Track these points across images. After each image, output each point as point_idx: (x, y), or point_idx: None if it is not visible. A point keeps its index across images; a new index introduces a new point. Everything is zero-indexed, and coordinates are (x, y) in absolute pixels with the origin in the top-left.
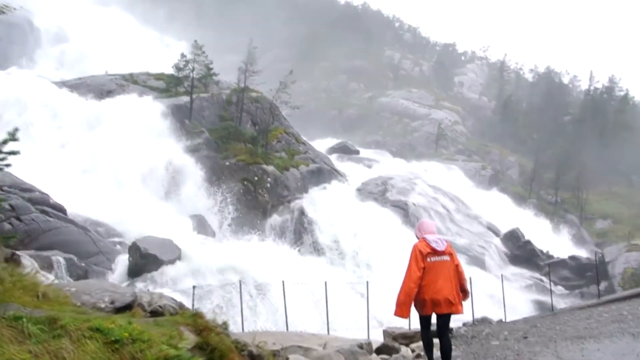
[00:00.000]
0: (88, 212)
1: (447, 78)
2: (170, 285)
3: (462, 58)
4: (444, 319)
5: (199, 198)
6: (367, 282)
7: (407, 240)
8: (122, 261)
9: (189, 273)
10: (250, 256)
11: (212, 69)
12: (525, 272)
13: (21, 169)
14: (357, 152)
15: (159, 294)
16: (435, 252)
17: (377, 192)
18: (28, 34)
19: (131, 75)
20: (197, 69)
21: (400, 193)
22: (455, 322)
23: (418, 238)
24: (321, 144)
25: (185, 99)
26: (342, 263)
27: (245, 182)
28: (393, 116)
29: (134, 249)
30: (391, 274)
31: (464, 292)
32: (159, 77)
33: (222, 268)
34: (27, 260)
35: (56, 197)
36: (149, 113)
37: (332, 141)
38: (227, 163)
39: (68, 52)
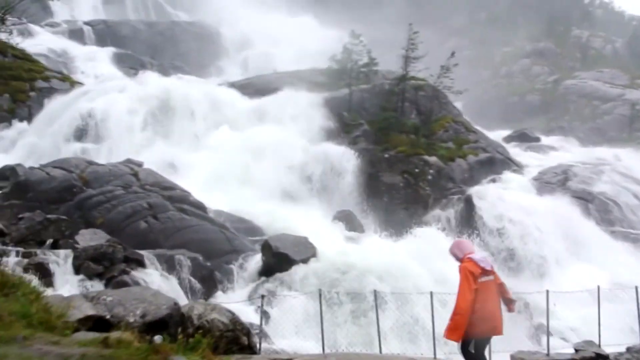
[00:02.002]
0: (234, 209)
1: None
2: (298, 287)
3: None
4: (485, 342)
5: (352, 192)
6: (547, 292)
7: (592, 238)
8: (256, 260)
9: (320, 274)
10: (399, 256)
11: (374, 59)
12: None
13: (179, 169)
14: (538, 140)
15: (214, 306)
16: (484, 272)
17: (555, 182)
18: (216, 44)
19: (297, 72)
20: (355, 59)
21: (583, 182)
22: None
23: (458, 258)
24: (498, 133)
25: (345, 91)
26: (514, 267)
27: (405, 175)
28: (580, 99)
29: (267, 248)
30: (572, 282)
31: (509, 302)
32: (327, 73)
33: (362, 269)
34: (149, 260)
35: (204, 194)
36: (305, 107)
37: (509, 129)
38: (386, 155)
39: (251, 57)
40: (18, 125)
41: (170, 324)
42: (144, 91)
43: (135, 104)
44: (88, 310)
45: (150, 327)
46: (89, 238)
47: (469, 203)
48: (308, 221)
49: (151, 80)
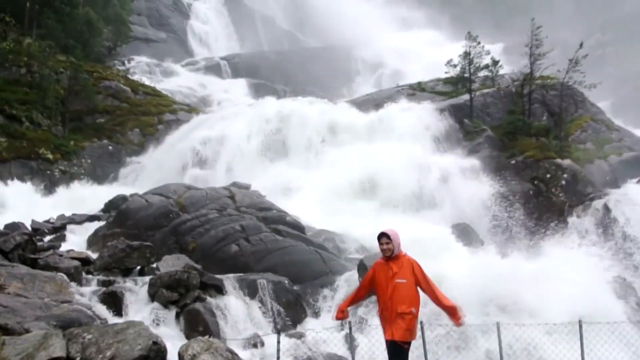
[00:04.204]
0: (345, 227)
1: None
2: None
3: None
4: None
5: (474, 203)
6: None
7: None
8: (352, 281)
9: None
10: (528, 275)
11: (497, 61)
12: None
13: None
14: None
15: (210, 344)
16: None
17: None
18: (348, 66)
19: (419, 83)
20: (475, 62)
21: None
22: None
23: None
24: None
25: (466, 97)
26: None
27: (535, 181)
28: None
29: (362, 268)
30: None
31: None
32: (447, 80)
33: (479, 288)
34: (231, 286)
35: (318, 214)
36: (424, 117)
37: None
38: (513, 161)
39: (384, 76)
40: (145, 158)
41: None
42: (260, 115)
43: (251, 128)
44: (57, 351)
45: None
46: (171, 264)
47: (608, 209)
48: (419, 236)
49: (268, 104)
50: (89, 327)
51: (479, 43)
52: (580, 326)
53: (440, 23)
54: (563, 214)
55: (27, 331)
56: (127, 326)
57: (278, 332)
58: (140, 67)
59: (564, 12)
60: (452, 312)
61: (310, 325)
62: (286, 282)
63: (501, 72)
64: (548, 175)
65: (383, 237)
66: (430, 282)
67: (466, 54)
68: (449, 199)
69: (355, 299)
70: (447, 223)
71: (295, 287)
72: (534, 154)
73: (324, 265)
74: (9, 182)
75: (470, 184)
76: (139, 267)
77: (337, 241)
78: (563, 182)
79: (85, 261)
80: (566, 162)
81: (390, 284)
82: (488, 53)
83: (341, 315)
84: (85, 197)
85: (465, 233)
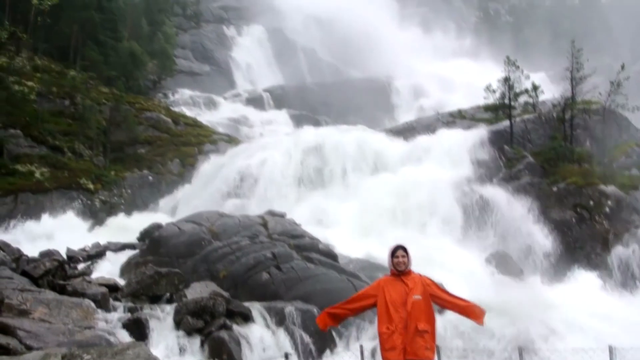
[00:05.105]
0: (374, 256)
1: None
2: None
3: None
4: None
5: (512, 230)
6: None
7: None
8: None
9: (455, 325)
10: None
11: (538, 86)
12: None
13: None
14: None
15: None
16: None
17: None
18: (389, 96)
19: (459, 111)
20: (514, 87)
21: None
22: None
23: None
24: None
25: (506, 123)
26: None
27: (578, 209)
28: None
29: None
30: None
31: None
32: (487, 107)
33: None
34: (259, 314)
35: (353, 242)
36: (462, 144)
37: None
38: (555, 188)
39: (425, 105)
40: (184, 188)
41: None
42: (297, 144)
43: (288, 157)
44: None
45: None
46: (199, 291)
47: None
48: (454, 263)
49: (306, 133)
50: (89, 349)
51: (518, 67)
52: (611, 351)
53: (482, 53)
54: (607, 243)
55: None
56: (127, 347)
57: None
58: (183, 100)
59: (607, 38)
60: (473, 310)
61: (340, 356)
62: (315, 310)
63: (542, 98)
64: (591, 203)
65: (399, 249)
66: (446, 292)
67: (506, 79)
68: (488, 226)
69: (352, 310)
70: (486, 250)
71: None
72: (576, 180)
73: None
74: (50, 211)
75: (510, 211)
76: (167, 295)
77: (371, 270)
78: (607, 210)
79: (113, 288)
80: (610, 188)
81: (409, 300)
82: (528, 77)
83: (330, 321)
84: (124, 226)
85: (503, 261)
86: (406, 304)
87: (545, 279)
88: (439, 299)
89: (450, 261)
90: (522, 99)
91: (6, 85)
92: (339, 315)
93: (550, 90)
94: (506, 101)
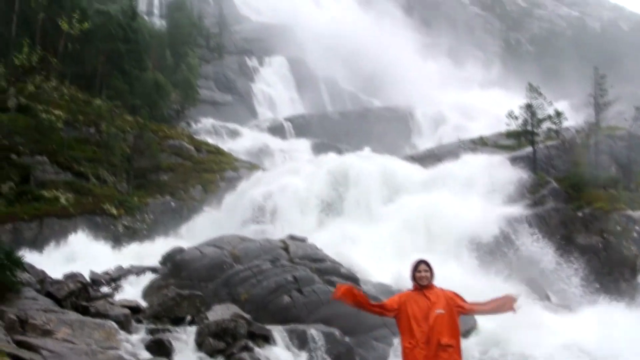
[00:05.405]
0: (396, 280)
1: None
2: None
3: None
4: None
5: (536, 255)
6: None
7: None
8: None
9: (482, 351)
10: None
11: (561, 113)
12: None
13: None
14: None
15: None
16: None
17: None
18: (410, 124)
19: (481, 138)
20: (537, 113)
21: None
22: None
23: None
24: None
25: (529, 149)
26: None
27: (605, 234)
28: None
29: None
30: None
31: None
32: (509, 134)
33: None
34: (280, 336)
35: (375, 267)
36: (484, 170)
37: None
38: (580, 214)
39: (445, 132)
40: (206, 214)
41: None
42: (319, 170)
43: (309, 183)
44: None
45: None
46: (220, 313)
47: None
48: (479, 288)
49: (326, 160)
50: None
51: (540, 94)
52: None
53: (503, 82)
54: (635, 268)
55: None
56: None
57: None
58: (206, 128)
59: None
60: (504, 304)
61: None
62: (337, 333)
63: (565, 124)
64: (618, 228)
65: (422, 264)
66: (470, 302)
67: (528, 106)
68: (512, 251)
69: (371, 307)
70: (511, 276)
71: (347, 339)
72: (602, 205)
73: (378, 318)
74: (74, 236)
75: (534, 236)
76: (189, 317)
77: (393, 294)
78: (635, 235)
79: (135, 309)
80: (638, 213)
81: (431, 314)
82: (550, 104)
83: (347, 297)
84: (146, 250)
85: (529, 286)
86: (428, 318)
87: (573, 304)
88: (466, 309)
89: (475, 286)
90: (545, 125)
91: (35, 113)
92: (358, 299)
93: (573, 118)
94: (529, 128)
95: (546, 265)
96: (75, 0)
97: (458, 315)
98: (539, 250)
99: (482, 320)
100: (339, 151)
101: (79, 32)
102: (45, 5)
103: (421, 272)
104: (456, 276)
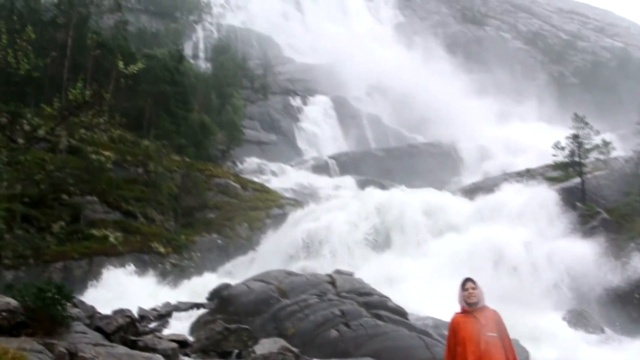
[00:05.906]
0: (445, 314)
1: None
2: None
3: None
4: None
5: (590, 288)
6: None
7: None
8: None
9: None
10: None
11: (609, 142)
12: None
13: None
14: None
15: None
16: None
17: None
18: (454, 159)
19: (528, 170)
20: (584, 143)
21: None
22: None
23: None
24: None
25: (577, 180)
26: None
27: None
28: None
29: None
30: None
31: None
32: (556, 166)
33: None
34: None
35: (414, 300)
36: (532, 203)
37: None
38: (632, 244)
39: (491, 167)
40: (253, 251)
41: None
42: (364, 206)
43: (355, 219)
44: None
45: None
46: (268, 347)
47: None
48: (532, 324)
49: (371, 195)
50: None
51: (586, 124)
52: None
53: (547, 115)
54: None
55: None
56: None
57: None
58: (251, 168)
59: None
60: None
61: None
62: None
63: (614, 154)
64: None
65: (469, 282)
66: (510, 341)
67: (575, 136)
68: (563, 284)
69: None
70: (563, 308)
71: None
72: None
73: (427, 352)
74: (123, 273)
75: (585, 267)
76: (236, 351)
77: (442, 328)
78: None
79: (183, 344)
80: None
81: (482, 337)
82: (598, 133)
83: None
84: (194, 287)
85: (581, 319)
86: (479, 342)
87: (629, 337)
88: (507, 345)
89: (529, 322)
90: (592, 155)
91: (85, 154)
92: None
93: (621, 148)
94: (576, 158)
95: (601, 297)
96: (124, 46)
97: (509, 339)
98: (590, 280)
99: (533, 350)
100: (384, 187)
101: (130, 73)
102: (96, 49)
103: (468, 289)
104: (506, 312)
